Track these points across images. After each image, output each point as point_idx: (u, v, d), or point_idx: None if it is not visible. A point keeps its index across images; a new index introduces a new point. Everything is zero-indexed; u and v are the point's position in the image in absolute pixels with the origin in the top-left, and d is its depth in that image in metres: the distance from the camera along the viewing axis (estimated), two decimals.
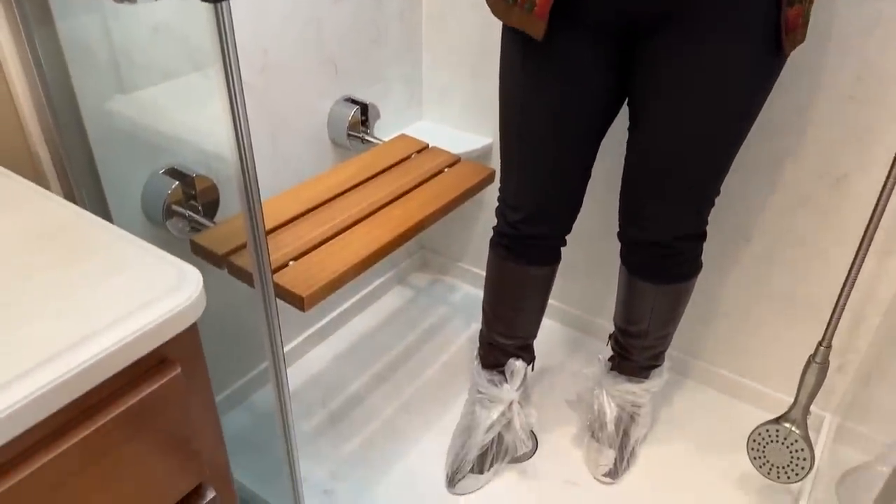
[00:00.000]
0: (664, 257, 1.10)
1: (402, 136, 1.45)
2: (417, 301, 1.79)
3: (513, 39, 0.96)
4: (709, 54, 0.85)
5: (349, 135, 1.42)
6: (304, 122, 1.36)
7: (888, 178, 0.97)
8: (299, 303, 0.96)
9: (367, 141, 1.44)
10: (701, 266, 1.16)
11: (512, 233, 1.14)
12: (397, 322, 1.71)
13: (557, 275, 1.23)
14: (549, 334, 1.66)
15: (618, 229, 1.14)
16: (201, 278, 0.61)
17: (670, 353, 1.55)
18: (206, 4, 0.61)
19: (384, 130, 1.57)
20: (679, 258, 1.11)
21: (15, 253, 0.62)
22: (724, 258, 1.39)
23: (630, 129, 1.02)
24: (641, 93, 0.95)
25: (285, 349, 1.54)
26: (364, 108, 1.42)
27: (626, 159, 1.05)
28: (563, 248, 1.21)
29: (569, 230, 1.16)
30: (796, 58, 1.14)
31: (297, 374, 1.54)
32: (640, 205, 1.05)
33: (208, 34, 0.63)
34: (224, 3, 0.61)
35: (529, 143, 1.03)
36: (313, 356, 1.59)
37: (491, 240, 1.21)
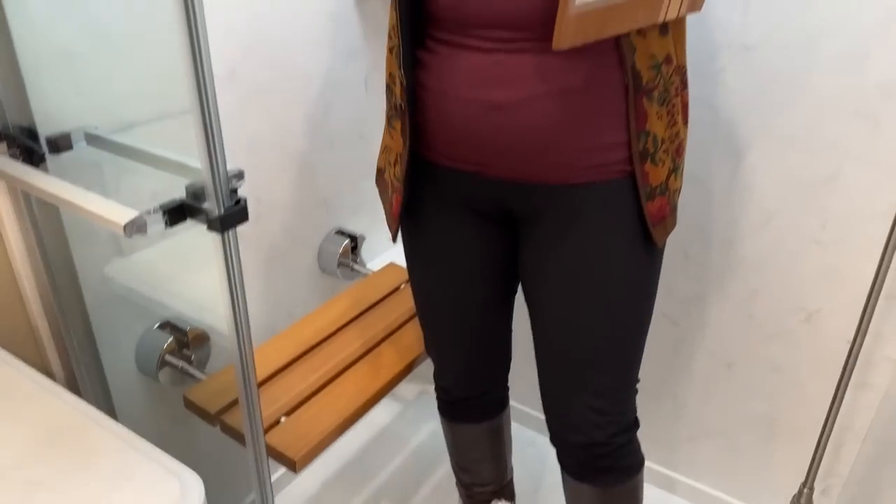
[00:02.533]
0: (602, 456, 0.98)
1: (391, 265, 1.49)
2: (405, 415, 1.79)
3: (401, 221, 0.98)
4: (584, 248, 0.85)
5: (339, 263, 1.46)
6: (296, 259, 1.40)
7: (862, 318, 1.01)
8: (291, 465, 0.97)
9: (356, 270, 1.48)
10: (643, 459, 1.04)
11: (446, 397, 1.15)
12: (385, 440, 1.71)
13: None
14: (540, 451, 1.67)
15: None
16: (203, 489, 0.62)
17: (658, 469, 1.57)
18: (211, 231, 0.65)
19: (373, 254, 1.61)
20: (618, 453, 0.99)
21: (18, 466, 0.64)
22: (708, 381, 1.43)
23: (529, 311, 0.99)
24: (527, 278, 0.95)
25: (272, 478, 1.53)
26: (354, 240, 1.47)
27: (535, 350, 1.00)
28: (507, 394, 1.19)
29: (504, 383, 1.16)
30: (763, 202, 1.21)
31: None
32: (561, 404, 0.97)
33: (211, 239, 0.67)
34: (231, 232, 0.65)
35: (434, 316, 1.04)
36: (300, 484, 1.58)
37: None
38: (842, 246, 1.17)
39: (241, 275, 0.68)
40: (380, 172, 0.99)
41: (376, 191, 1.57)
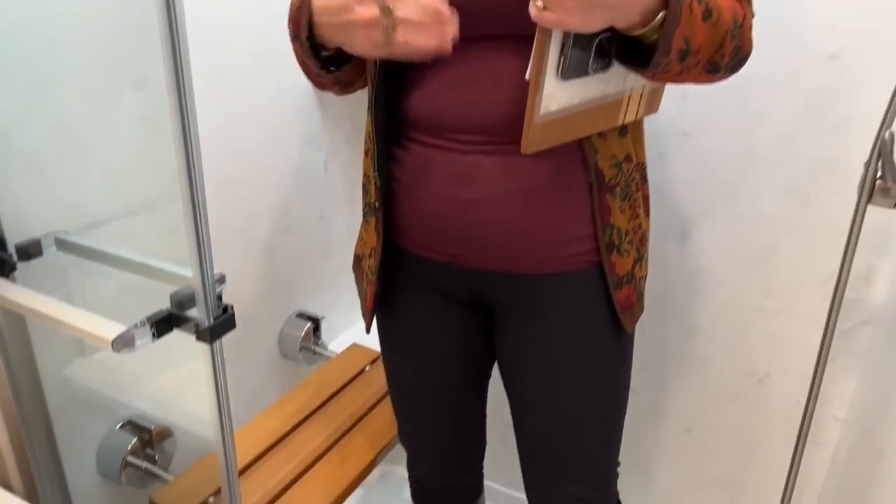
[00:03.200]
0: None
1: (354, 347, 1.49)
2: (369, 500, 1.75)
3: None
4: (558, 336, 0.87)
5: (301, 348, 1.45)
6: (256, 346, 1.38)
7: (814, 380, 1.07)
8: None
9: (319, 353, 1.47)
10: None
11: (420, 487, 1.14)
12: None
13: None
14: None
15: None
16: None
17: None
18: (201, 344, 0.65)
19: (333, 333, 1.60)
20: None
21: None
22: (667, 446, 1.46)
23: (507, 393, 0.99)
24: (504, 366, 0.96)
25: None
26: (315, 322, 1.47)
27: (515, 437, 1.00)
28: (482, 481, 1.18)
29: (479, 470, 1.15)
30: (711, 274, 1.29)
31: None
32: (543, 490, 0.97)
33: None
34: (217, 343, 0.65)
35: (409, 404, 1.04)
36: None
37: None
38: (785, 313, 1.25)
39: (227, 384, 0.68)
40: (357, 259, 1.01)
41: (335, 271, 1.59)
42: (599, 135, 0.79)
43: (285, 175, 1.37)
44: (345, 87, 0.89)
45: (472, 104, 0.77)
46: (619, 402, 0.94)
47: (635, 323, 0.90)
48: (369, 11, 0.67)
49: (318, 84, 0.88)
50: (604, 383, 0.90)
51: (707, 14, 0.67)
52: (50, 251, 0.81)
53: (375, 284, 0.92)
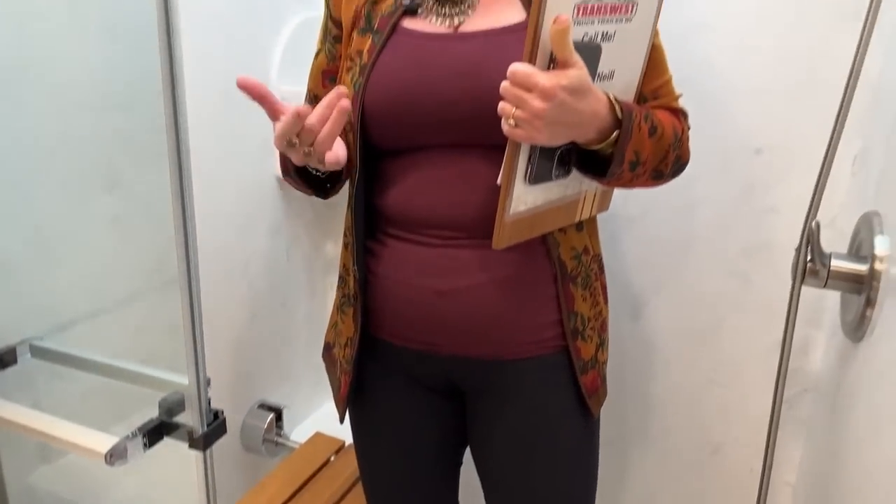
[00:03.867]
0: None
1: (318, 436, 1.47)
2: None
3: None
4: (529, 421, 0.91)
5: (264, 440, 1.43)
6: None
7: (767, 448, 1.12)
8: None
9: (282, 444, 1.45)
10: None
11: None
12: None
13: None
14: None
15: None
16: None
17: None
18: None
19: (294, 422, 1.59)
20: None
21: None
22: None
23: (479, 476, 1.01)
24: (476, 450, 0.98)
25: None
26: (278, 413, 1.45)
27: None
28: None
29: None
30: (663, 350, 1.36)
31: None
32: None
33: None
34: (208, 451, 0.66)
35: (382, 491, 1.05)
36: None
37: None
38: (733, 385, 1.33)
39: (216, 491, 0.68)
40: (328, 347, 1.03)
41: (296, 359, 1.59)
42: (560, 230, 0.86)
43: (249, 265, 1.38)
44: (329, 193, 0.95)
45: (447, 204, 0.84)
46: (589, 483, 0.97)
47: (600, 407, 0.95)
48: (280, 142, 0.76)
49: (305, 194, 0.95)
50: (574, 466, 0.94)
51: (652, 131, 0.77)
52: (25, 359, 0.81)
53: (351, 374, 0.94)
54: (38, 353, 0.81)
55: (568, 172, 0.80)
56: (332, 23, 0.93)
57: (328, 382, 1.00)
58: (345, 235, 0.94)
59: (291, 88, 1.36)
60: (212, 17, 1.19)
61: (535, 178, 0.76)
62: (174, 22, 0.67)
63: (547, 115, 0.66)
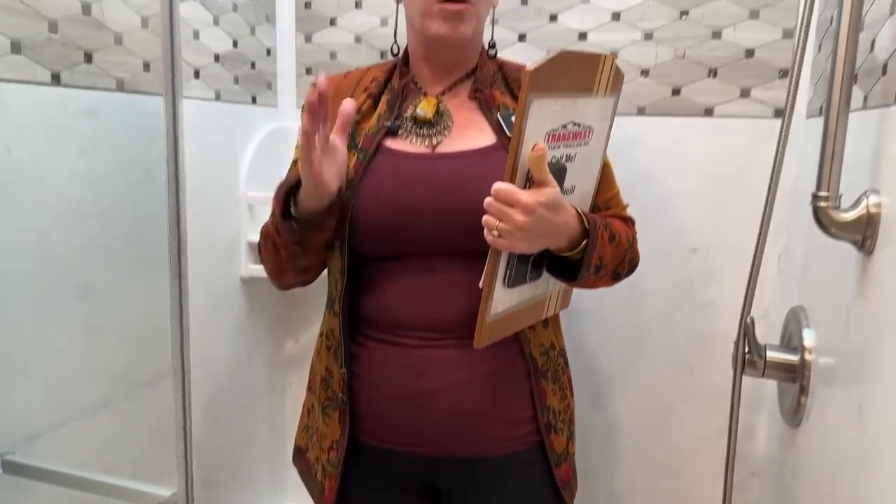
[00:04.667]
0: None
1: None
2: None
3: None
4: None
5: None
6: None
7: None
8: None
9: None
10: None
11: None
12: None
13: None
14: None
15: None
16: None
17: None
18: None
19: None
20: None
21: None
22: None
23: None
24: None
25: None
26: None
27: None
28: None
29: None
30: (619, 438, 1.41)
31: None
32: None
33: None
34: None
35: None
36: None
37: None
38: (685, 471, 1.38)
39: None
40: (300, 451, 1.04)
41: (257, 463, 1.56)
42: (530, 327, 0.93)
43: (212, 366, 1.39)
44: (302, 273, 0.97)
45: (430, 307, 0.90)
46: None
47: (573, 498, 0.99)
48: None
49: (280, 269, 0.95)
50: None
51: (612, 238, 0.87)
52: None
53: (337, 478, 0.95)
54: (12, 468, 0.80)
55: (540, 275, 0.88)
56: None
57: (289, 487, 0.99)
58: (327, 337, 0.97)
59: (258, 195, 1.43)
60: (185, 126, 1.25)
61: (512, 281, 0.83)
62: (180, 159, 0.72)
63: (527, 227, 0.75)
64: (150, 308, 1.18)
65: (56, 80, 0.98)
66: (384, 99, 0.96)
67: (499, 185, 0.75)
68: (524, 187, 0.76)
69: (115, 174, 1.10)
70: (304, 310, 1.60)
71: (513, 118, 0.90)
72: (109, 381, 1.10)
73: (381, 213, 0.88)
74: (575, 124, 0.80)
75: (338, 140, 0.83)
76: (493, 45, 0.98)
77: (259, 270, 1.44)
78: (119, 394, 1.11)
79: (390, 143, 0.92)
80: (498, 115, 0.92)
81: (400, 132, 0.93)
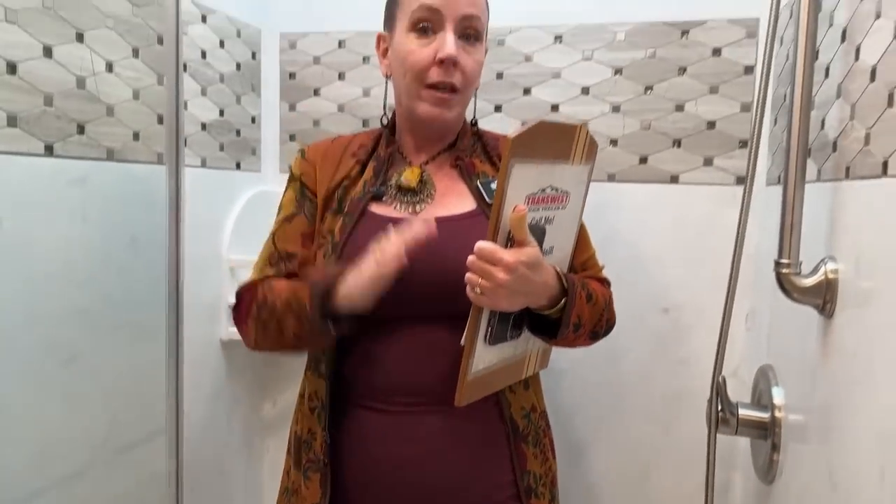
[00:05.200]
0: None
1: None
2: None
3: None
4: None
5: None
6: None
7: None
8: None
9: None
10: None
11: None
12: None
13: None
14: None
15: None
16: None
17: None
18: None
19: None
20: None
21: None
22: None
23: None
24: None
25: None
26: None
27: None
28: None
29: None
30: (601, 493, 1.43)
31: None
32: None
33: None
34: None
35: None
36: None
37: None
38: None
39: None
40: None
41: None
42: (511, 390, 0.95)
43: (192, 431, 1.37)
44: (296, 351, 0.99)
45: (412, 372, 0.92)
46: None
47: None
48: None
49: (277, 346, 0.95)
50: None
51: (589, 297, 0.91)
52: None
53: None
54: None
55: (520, 333, 0.91)
56: (309, 192, 1.00)
57: None
58: (309, 399, 0.97)
59: (240, 258, 1.44)
60: (167, 189, 1.28)
61: (493, 339, 0.86)
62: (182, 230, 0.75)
63: (508, 285, 0.78)
64: (134, 373, 1.18)
65: (49, 150, 1.00)
66: (371, 165, 1.00)
67: (481, 244, 0.78)
68: (505, 247, 0.80)
69: (103, 241, 1.11)
70: (282, 370, 1.60)
71: (492, 185, 0.96)
72: (90, 447, 1.09)
73: None
74: (553, 189, 0.85)
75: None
76: (474, 123, 1.04)
77: (238, 333, 1.45)
78: (100, 460, 1.10)
79: (375, 208, 0.96)
80: (478, 182, 0.97)
81: (385, 198, 0.97)
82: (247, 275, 1.47)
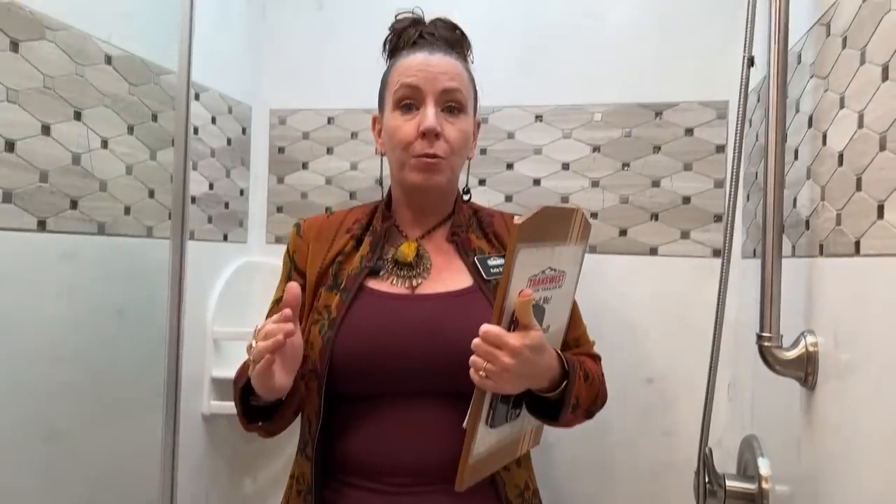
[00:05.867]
0: None
1: None
2: None
3: None
4: None
5: None
6: None
7: None
8: None
9: None
10: None
11: None
12: None
13: None
14: None
15: None
16: None
17: None
18: None
19: None
20: None
21: None
22: None
23: None
24: None
25: None
26: None
27: None
28: None
29: None
30: None
31: None
32: None
33: None
34: None
35: None
36: None
37: None
38: None
39: None
40: None
41: None
42: (505, 468, 0.94)
43: None
44: (271, 434, 0.98)
45: (409, 451, 0.90)
46: None
47: None
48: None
49: (250, 428, 0.96)
50: None
51: (586, 377, 0.92)
52: None
53: None
54: None
55: (519, 414, 0.91)
56: (297, 273, 1.02)
57: None
58: (297, 482, 0.96)
59: (224, 329, 1.44)
60: (155, 263, 1.28)
61: (494, 421, 0.86)
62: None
63: (513, 369, 0.77)
64: (118, 449, 1.15)
65: (42, 226, 1.01)
66: (367, 240, 1.01)
67: (487, 328, 0.78)
68: (508, 329, 0.80)
69: (90, 316, 1.11)
70: (264, 445, 1.57)
71: (489, 261, 0.98)
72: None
73: (363, 351, 0.91)
74: (552, 269, 0.86)
75: (292, 326, 0.83)
76: (467, 191, 1.06)
77: (221, 407, 1.44)
78: None
79: (372, 284, 0.97)
80: (475, 259, 0.99)
81: (381, 273, 0.98)
82: (229, 347, 1.48)
